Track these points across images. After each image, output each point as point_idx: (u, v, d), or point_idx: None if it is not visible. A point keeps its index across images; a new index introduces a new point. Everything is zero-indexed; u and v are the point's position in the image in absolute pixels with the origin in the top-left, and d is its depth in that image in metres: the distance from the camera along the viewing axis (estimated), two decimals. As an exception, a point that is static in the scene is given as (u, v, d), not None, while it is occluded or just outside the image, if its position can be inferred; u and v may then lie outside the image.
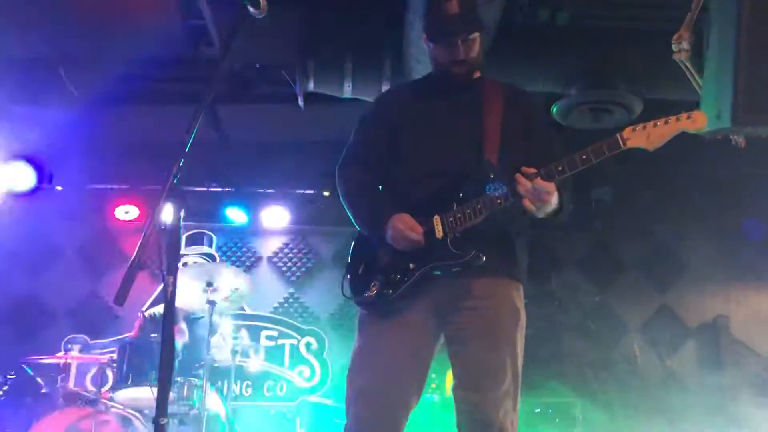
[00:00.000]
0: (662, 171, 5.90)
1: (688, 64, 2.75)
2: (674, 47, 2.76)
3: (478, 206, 2.18)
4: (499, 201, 2.18)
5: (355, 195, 2.43)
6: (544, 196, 2.12)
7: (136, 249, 1.71)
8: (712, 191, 6.00)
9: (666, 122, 2.09)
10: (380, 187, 2.45)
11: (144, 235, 1.74)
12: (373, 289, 2.26)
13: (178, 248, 1.85)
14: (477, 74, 2.45)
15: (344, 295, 2.37)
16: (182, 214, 1.85)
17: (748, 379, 5.84)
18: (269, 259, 6.32)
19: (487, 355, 2.20)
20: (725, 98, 2.47)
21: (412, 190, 2.33)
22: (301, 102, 4.64)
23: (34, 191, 5.78)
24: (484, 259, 2.16)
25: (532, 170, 2.13)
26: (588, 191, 6.11)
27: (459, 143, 2.34)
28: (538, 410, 5.04)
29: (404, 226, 2.21)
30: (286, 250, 6.34)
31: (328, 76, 4.41)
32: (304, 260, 6.31)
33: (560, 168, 2.13)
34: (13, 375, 4.35)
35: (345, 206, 2.45)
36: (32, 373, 4.36)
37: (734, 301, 6.32)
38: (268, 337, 6.05)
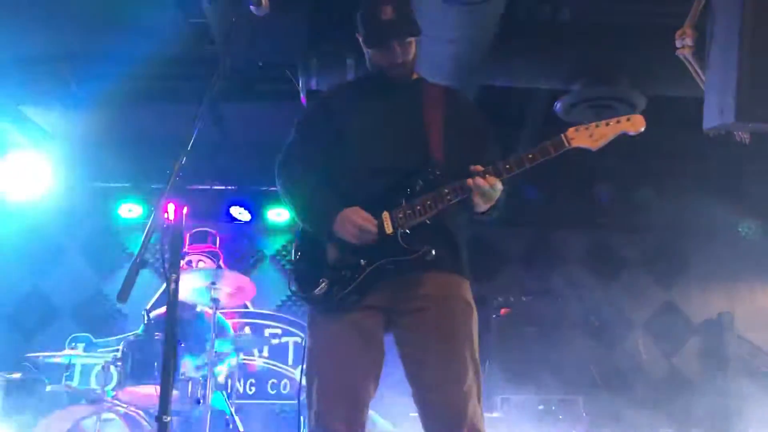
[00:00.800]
0: (665, 167, 5.90)
1: (691, 60, 2.74)
2: (677, 43, 2.75)
3: (428, 202, 2.20)
4: (449, 197, 2.21)
5: (300, 192, 2.42)
6: (493, 193, 2.18)
7: (139, 247, 1.71)
8: (716, 187, 5.99)
9: (607, 124, 2.22)
10: (325, 185, 2.42)
11: (147, 233, 1.74)
12: (322, 285, 2.24)
13: (181, 246, 1.85)
14: (415, 76, 2.51)
15: (290, 290, 2.40)
16: (185, 212, 1.86)
17: (753, 376, 5.83)
18: (273, 257, 6.33)
19: (447, 353, 2.20)
20: (729, 93, 2.46)
21: (359, 188, 2.32)
22: (303, 99, 4.64)
23: (38, 189, 5.80)
24: (434, 253, 2.17)
25: (480, 168, 2.19)
26: (590, 188, 6.10)
27: (404, 141, 2.36)
28: (542, 407, 5.03)
29: (358, 218, 2.20)
30: (289, 248, 6.33)
31: (331, 73, 4.40)
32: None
33: (508, 166, 2.20)
34: (17, 373, 4.36)
35: (287, 203, 2.48)
36: (37, 371, 4.37)
37: (739, 298, 6.31)
38: (272, 335, 6.05)
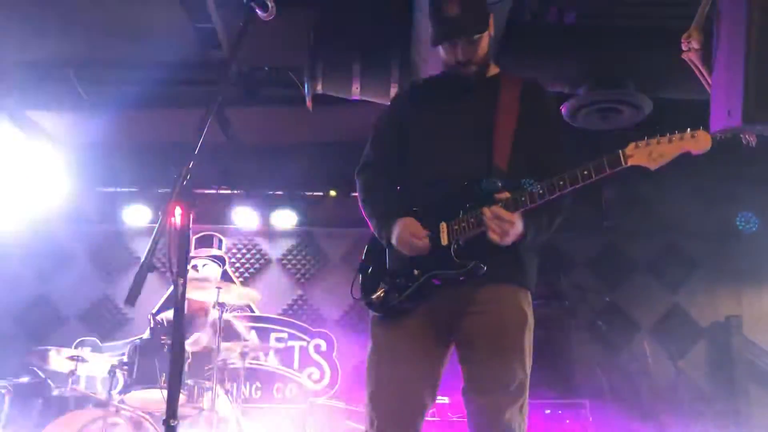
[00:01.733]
0: (672, 170, 5.86)
1: (698, 63, 2.73)
2: (683, 46, 2.74)
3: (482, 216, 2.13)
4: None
5: (368, 199, 2.42)
6: (506, 226, 2.08)
7: (147, 251, 1.72)
8: (724, 190, 5.96)
9: (670, 141, 2.06)
10: (396, 190, 2.44)
11: (154, 237, 1.74)
12: (380, 292, 2.27)
13: (188, 250, 1.85)
14: (494, 70, 2.42)
15: (353, 297, 2.38)
16: (192, 216, 1.86)
17: (761, 379, 5.80)
18: (278, 260, 6.34)
19: (493, 357, 2.17)
20: (735, 96, 2.45)
21: (421, 195, 2.30)
22: (309, 104, 4.65)
23: (44, 194, 5.82)
24: (485, 268, 2.12)
25: (505, 195, 2.12)
26: (598, 191, 6.08)
27: (468, 147, 2.29)
28: (548, 411, 5.01)
29: (408, 232, 2.20)
30: (294, 252, 6.35)
31: (336, 77, 4.41)
32: (313, 262, 6.31)
33: (539, 193, 2.09)
34: (25, 378, 4.37)
35: (362, 210, 2.44)
36: (43, 376, 4.38)
37: (746, 301, 6.28)
38: (278, 339, 6.05)
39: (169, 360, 1.76)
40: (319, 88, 4.52)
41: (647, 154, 2.07)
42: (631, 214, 6.15)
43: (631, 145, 2.07)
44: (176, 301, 1.78)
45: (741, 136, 2.60)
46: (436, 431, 4.61)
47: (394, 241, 2.24)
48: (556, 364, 5.25)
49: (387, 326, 2.29)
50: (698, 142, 2.05)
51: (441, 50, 2.35)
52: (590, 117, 4.39)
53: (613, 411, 5.34)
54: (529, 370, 2.22)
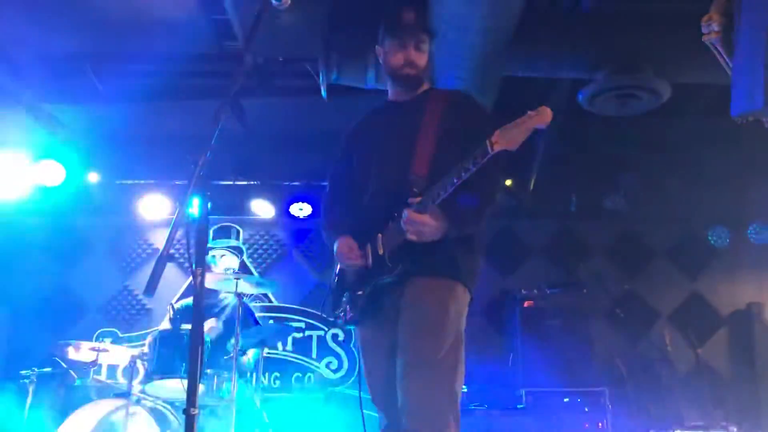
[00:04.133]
0: (691, 156, 5.81)
1: (718, 46, 2.69)
2: (703, 29, 2.70)
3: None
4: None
5: (323, 225, 2.69)
6: (418, 227, 2.24)
7: (165, 241, 1.73)
8: (743, 176, 5.89)
9: (517, 124, 2.16)
10: (345, 212, 2.64)
11: (172, 228, 1.75)
12: (345, 306, 2.49)
13: (206, 241, 1.87)
14: (425, 87, 2.61)
15: (321, 314, 2.59)
16: (209, 206, 1.87)
17: (782, 367, 5.74)
18: (296, 250, 6.36)
19: (408, 346, 2.27)
20: (757, 79, 2.41)
21: (362, 213, 2.51)
22: (324, 94, 4.64)
23: (63, 186, 5.88)
24: (414, 266, 2.29)
25: (417, 200, 2.26)
26: (615, 179, 6.03)
27: (393, 162, 2.47)
28: (567, 399, 5.00)
29: (343, 251, 2.45)
30: (312, 242, 6.37)
31: (352, 67, 4.40)
32: (330, 251, 6.32)
33: (438, 193, 2.23)
34: (47, 368, 4.44)
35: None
36: (65, 366, 4.44)
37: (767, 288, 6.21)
38: (296, 329, 6.09)
39: (189, 350, 1.77)
40: (335, 78, 4.51)
41: (507, 139, 2.16)
42: (650, 201, 6.09)
43: (496, 132, 2.17)
44: (195, 292, 1.79)
45: (763, 120, 2.56)
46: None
47: (337, 259, 2.50)
48: (574, 352, 5.23)
49: (360, 338, 2.56)
50: (541, 116, 2.18)
51: (389, 55, 2.55)
52: (607, 103, 4.35)
53: (633, 399, 5.32)
54: (451, 356, 2.26)
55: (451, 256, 2.36)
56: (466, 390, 4.83)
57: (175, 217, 1.81)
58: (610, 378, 5.40)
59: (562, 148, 5.57)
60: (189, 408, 1.74)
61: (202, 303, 1.81)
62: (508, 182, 5.82)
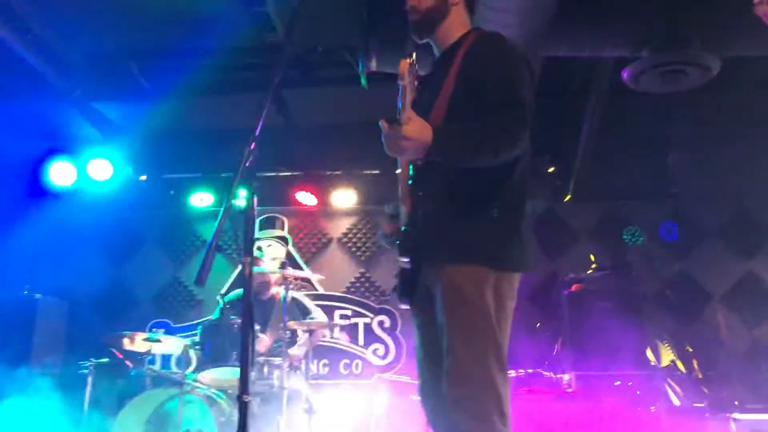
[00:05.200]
0: (743, 131, 5.63)
1: (770, 17, 2.59)
2: (755, -1, 2.61)
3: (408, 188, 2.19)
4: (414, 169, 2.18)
5: None
6: (392, 138, 2.00)
7: (214, 233, 1.76)
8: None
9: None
10: None
11: (220, 219, 1.79)
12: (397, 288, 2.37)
13: (253, 231, 1.90)
14: (456, 34, 2.34)
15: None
16: (255, 197, 1.90)
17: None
18: (339, 240, 6.41)
19: (445, 345, 2.13)
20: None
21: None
22: (364, 83, 4.65)
23: (112, 182, 6.04)
24: (433, 250, 2.15)
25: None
26: (664, 156, 5.89)
27: None
28: (618, 383, 4.94)
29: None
30: (355, 231, 6.41)
31: (390, 54, 4.38)
32: (374, 240, 6.36)
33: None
34: (104, 359, 4.58)
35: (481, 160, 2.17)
36: (121, 357, 4.57)
37: (825, 266, 6.00)
38: (342, 317, 6.15)
39: (240, 338, 1.81)
40: (374, 66, 4.51)
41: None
42: (701, 179, 5.92)
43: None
44: (244, 281, 1.83)
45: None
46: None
47: None
48: (624, 335, 5.14)
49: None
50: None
51: None
52: (654, 80, 4.23)
53: (687, 382, 5.22)
54: (477, 347, 2.09)
55: (470, 236, 2.15)
56: (514, 374, 4.82)
57: (222, 208, 1.84)
58: (662, 361, 5.31)
59: (607, 129, 5.46)
60: (242, 395, 1.78)
61: (250, 292, 1.84)
62: (551, 169, 5.74)
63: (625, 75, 4.28)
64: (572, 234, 6.27)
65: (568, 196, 6.07)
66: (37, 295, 5.54)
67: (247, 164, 1.90)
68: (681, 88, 4.31)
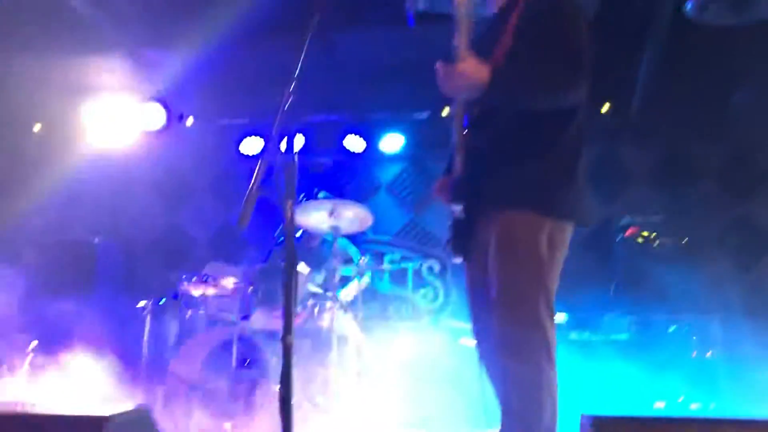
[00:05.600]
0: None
1: None
2: None
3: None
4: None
5: None
6: (454, 77, 2.06)
7: (254, 175, 1.76)
8: None
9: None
10: None
11: (260, 162, 1.79)
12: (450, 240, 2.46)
13: (295, 174, 1.89)
14: None
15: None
16: (297, 141, 1.88)
17: None
18: (388, 185, 6.38)
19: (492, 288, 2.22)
20: None
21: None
22: (411, 22, 4.53)
23: (166, 129, 6.14)
24: (486, 198, 2.21)
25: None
26: (726, 95, 5.59)
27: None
28: (674, 328, 4.85)
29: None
30: (404, 176, 6.37)
31: (438, -7, 4.26)
32: (423, 185, 6.31)
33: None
34: (161, 301, 4.73)
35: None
36: (177, 299, 4.71)
37: None
38: (392, 262, 6.18)
39: (283, 277, 1.82)
40: (422, 6, 4.39)
41: None
42: (763, 118, 5.62)
43: None
44: (285, 224, 1.83)
45: None
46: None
47: None
48: (680, 281, 5.02)
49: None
50: None
51: None
52: (720, 11, 3.99)
53: (747, 329, 5.07)
54: (528, 292, 2.16)
55: (526, 183, 2.20)
56: (566, 319, 4.78)
57: (264, 152, 1.84)
58: (720, 306, 5.16)
59: (668, 65, 5.20)
60: (285, 336, 1.80)
61: (292, 235, 1.84)
62: (606, 106, 5.53)
63: (689, 6, 4.06)
64: (628, 176, 6.08)
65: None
66: (96, 239, 5.74)
67: (287, 106, 1.88)
68: (750, 20, 4.07)
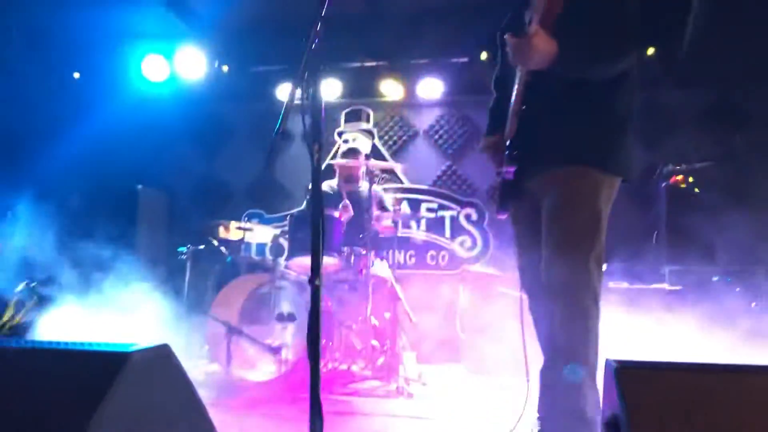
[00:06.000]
0: None
1: None
2: None
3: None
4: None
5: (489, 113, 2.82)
6: (525, 50, 2.17)
7: (279, 119, 1.75)
8: None
9: None
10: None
11: (285, 107, 1.77)
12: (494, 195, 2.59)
13: (320, 118, 1.88)
14: None
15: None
16: (320, 85, 1.86)
17: None
18: (426, 132, 6.31)
19: (550, 239, 2.34)
20: None
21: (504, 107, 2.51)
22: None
23: (204, 75, 6.15)
24: (540, 154, 2.31)
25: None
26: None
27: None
28: (717, 278, 4.75)
29: (485, 149, 2.63)
30: (442, 122, 6.28)
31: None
32: (461, 132, 6.22)
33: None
34: (202, 246, 4.83)
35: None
36: (217, 244, 4.81)
37: None
38: (429, 209, 6.16)
39: (311, 222, 1.83)
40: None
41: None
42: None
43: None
44: (313, 166, 1.82)
45: None
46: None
47: None
48: (725, 230, 4.88)
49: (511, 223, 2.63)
50: None
51: None
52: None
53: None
54: (583, 245, 2.29)
55: (572, 135, 2.31)
56: (607, 268, 4.71)
57: (287, 98, 1.83)
58: (765, 257, 5.02)
59: (718, 5, 4.94)
60: (313, 279, 1.81)
61: (319, 179, 1.84)
62: (650, 50, 5.30)
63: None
64: (673, 122, 5.87)
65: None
66: (139, 186, 5.86)
67: (311, 51, 1.86)
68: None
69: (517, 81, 2.33)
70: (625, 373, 1.13)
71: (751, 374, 1.09)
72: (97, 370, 1.14)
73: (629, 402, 1.06)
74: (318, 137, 1.83)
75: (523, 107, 2.33)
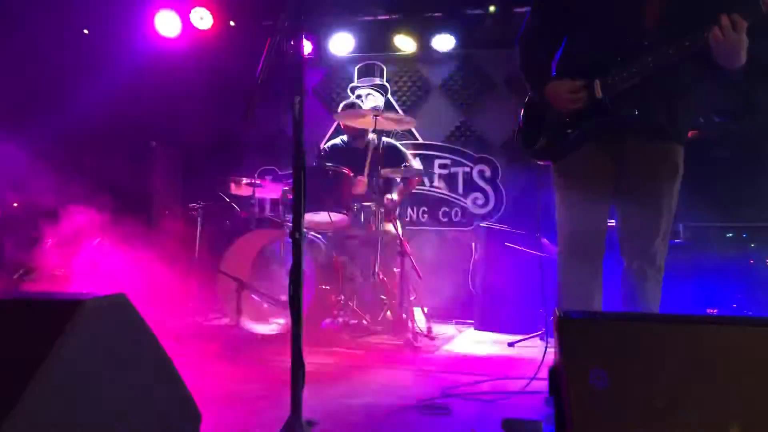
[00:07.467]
0: None
1: None
2: None
3: (633, 69, 2.34)
4: (671, 55, 2.28)
5: (524, 64, 2.69)
6: (730, 43, 2.16)
7: (258, 70, 1.74)
8: None
9: None
10: (550, 54, 2.66)
11: (263, 60, 1.76)
12: (542, 142, 2.62)
13: (303, 71, 1.87)
14: None
15: (515, 143, 2.78)
16: (303, 38, 1.85)
17: None
18: (439, 86, 6.21)
19: (645, 206, 2.47)
20: None
21: (581, 59, 2.52)
22: None
23: (213, 31, 6.12)
24: (637, 113, 2.36)
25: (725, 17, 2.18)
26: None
27: (623, 12, 2.43)
28: (731, 234, 4.68)
29: (563, 89, 2.48)
30: (456, 77, 6.17)
31: None
32: (476, 86, 6.12)
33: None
34: (213, 201, 4.89)
35: (522, 74, 2.70)
36: (228, 200, 4.86)
37: None
38: (442, 166, 6.12)
39: (293, 176, 1.83)
40: None
41: None
42: None
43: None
44: (294, 118, 1.82)
45: None
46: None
47: (549, 99, 2.53)
48: (741, 187, 4.79)
49: (556, 170, 2.64)
50: None
51: None
52: None
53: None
54: (673, 210, 2.51)
55: (679, 112, 2.42)
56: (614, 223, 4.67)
57: (266, 50, 1.82)
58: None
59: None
60: (294, 232, 1.83)
61: (301, 131, 1.84)
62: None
63: None
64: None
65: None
66: (154, 143, 5.91)
67: (301, 9, 1.85)
68: None
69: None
70: (565, 323, 1.13)
71: (692, 325, 1.08)
72: (50, 317, 1.17)
73: (565, 352, 1.07)
74: (299, 90, 1.82)
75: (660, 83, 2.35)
